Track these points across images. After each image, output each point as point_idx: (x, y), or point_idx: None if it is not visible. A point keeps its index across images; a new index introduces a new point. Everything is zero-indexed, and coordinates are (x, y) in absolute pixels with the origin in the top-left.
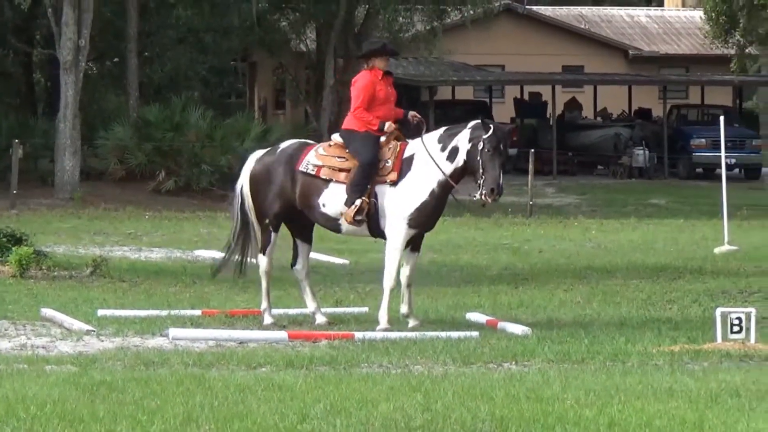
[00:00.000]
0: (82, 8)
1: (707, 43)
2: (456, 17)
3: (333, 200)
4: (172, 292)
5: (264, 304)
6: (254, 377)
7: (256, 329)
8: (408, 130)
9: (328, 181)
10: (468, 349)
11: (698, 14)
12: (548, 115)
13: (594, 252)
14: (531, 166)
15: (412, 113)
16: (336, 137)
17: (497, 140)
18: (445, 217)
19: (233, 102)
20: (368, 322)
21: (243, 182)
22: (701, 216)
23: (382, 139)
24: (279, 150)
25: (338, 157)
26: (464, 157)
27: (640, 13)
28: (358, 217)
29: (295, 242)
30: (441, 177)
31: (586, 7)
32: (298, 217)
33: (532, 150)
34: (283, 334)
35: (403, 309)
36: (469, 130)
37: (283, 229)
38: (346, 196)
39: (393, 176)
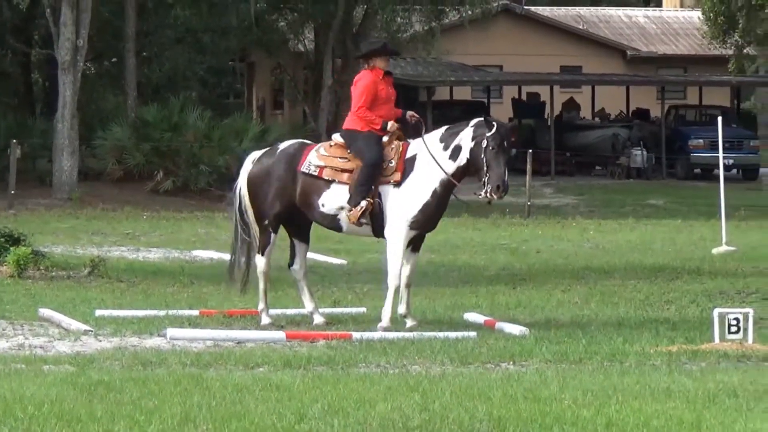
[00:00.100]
0: (80, 8)
1: (705, 44)
2: (454, 17)
3: (333, 200)
4: (169, 292)
5: (261, 305)
6: (252, 377)
7: (254, 329)
8: (406, 130)
9: (330, 182)
10: (466, 350)
11: (696, 15)
12: (546, 116)
13: (592, 252)
14: (529, 167)
15: (410, 113)
16: (336, 137)
17: (501, 138)
18: (443, 217)
19: (231, 102)
20: (366, 322)
21: (241, 183)
22: (699, 216)
23: (385, 139)
24: (279, 150)
25: (340, 158)
26: (467, 155)
27: (638, 14)
28: (363, 220)
29: (292, 242)
30: (443, 176)
31: (584, 8)
32: (297, 217)
33: (530, 150)
34: (280, 334)
35: (401, 309)
36: (472, 128)
37: (281, 229)
38: (346, 196)
39: (397, 177)
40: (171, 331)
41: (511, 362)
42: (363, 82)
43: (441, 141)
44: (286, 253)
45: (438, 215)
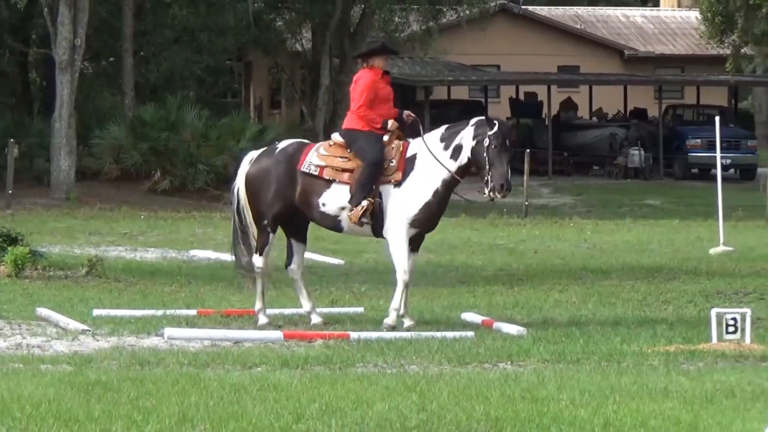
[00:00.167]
0: (77, 8)
1: (703, 44)
2: (452, 17)
3: (333, 199)
4: (167, 292)
5: (258, 305)
6: (249, 377)
7: (252, 329)
8: (403, 130)
9: (330, 182)
10: (463, 350)
11: (694, 14)
12: (544, 115)
13: (589, 252)
14: (526, 167)
15: (406, 113)
16: (336, 137)
17: (503, 136)
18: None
19: (229, 101)
20: (364, 322)
21: (239, 184)
22: (696, 216)
23: (385, 138)
24: (278, 150)
25: (340, 157)
26: (468, 154)
27: (636, 14)
28: (364, 219)
29: (289, 242)
30: (445, 176)
31: (582, 8)
32: (296, 218)
33: (528, 150)
34: (278, 334)
35: (400, 309)
36: (473, 127)
37: (278, 229)
38: (347, 195)
39: (398, 176)
40: (168, 331)
41: (509, 362)
42: (363, 81)
43: (441, 140)
44: (284, 253)
45: (439, 215)
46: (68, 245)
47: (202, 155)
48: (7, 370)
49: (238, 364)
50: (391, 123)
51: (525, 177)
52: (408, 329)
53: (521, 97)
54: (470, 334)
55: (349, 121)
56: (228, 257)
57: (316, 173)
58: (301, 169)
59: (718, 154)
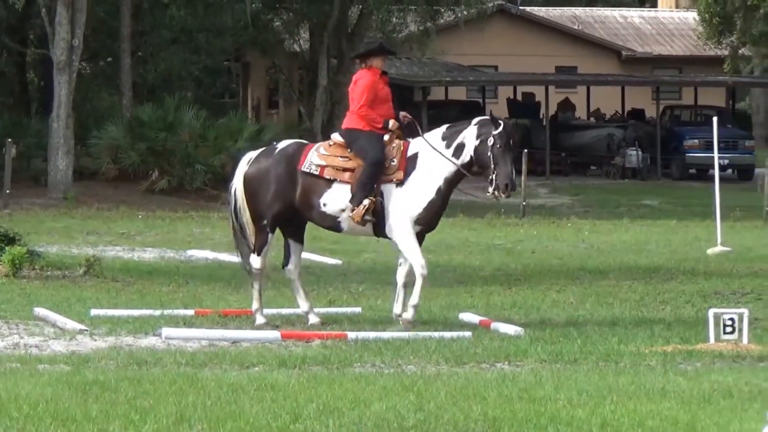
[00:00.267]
0: (75, 8)
1: (700, 44)
2: (449, 18)
3: (334, 199)
4: (165, 292)
5: (256, 305)
6: (247, 377)
7: (249, 329)
8: (401, 131)
9: (331, 181)
10: (461, 350)
11: (692, 15)
12: (541, 116)
13: (587, 253)
14: (524, 167)
15: (403, 114)
16: (336, 137)
17: (507, 136)
18: None
19: (227, 102)
20: (361, 322)
21: (236, 185)
22: (694, 217)
23: (386, 137)
24: (277, 150)
25: (341, 157)
26: (471, 153)
27: (634, 14)
28: (367, 217)
29: (287, 242)
30: (448, 172)
31: (580, 8)
32: (294, 217)
33: (525, 150)
34: (276, 334)
35: (396, 309)
36: (476, 126)
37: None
38: (348, 196)
39: (399, 175)
40: (166, 331)
41: (506, 362)
42: (363, 81)
43: (443, 139)
44: (281, 253)
45: (441, 213)
46: (66, 245)
47: (199, 155)
48: (4, 370)
49: (236, 364)
50: (392, 122)
51: (523, 177)
52: (405, 329)
53: (519, 97)
54: (468, 334)
55: (350, 121)
56: (226, 257)
57: (317, 173)
58: (302, 168)
59: (716, 155)
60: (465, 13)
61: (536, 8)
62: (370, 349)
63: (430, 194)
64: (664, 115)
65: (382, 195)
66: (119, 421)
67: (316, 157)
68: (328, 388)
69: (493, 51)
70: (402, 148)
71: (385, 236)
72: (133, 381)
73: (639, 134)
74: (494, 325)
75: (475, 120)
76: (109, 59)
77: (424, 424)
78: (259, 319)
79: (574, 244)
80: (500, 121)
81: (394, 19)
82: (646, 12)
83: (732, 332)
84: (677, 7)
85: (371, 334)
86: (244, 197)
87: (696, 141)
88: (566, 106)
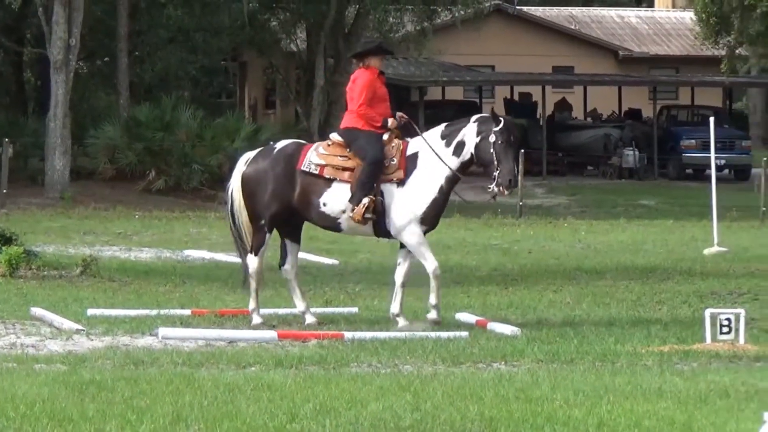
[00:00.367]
0: (72, 7)
1: (697, 44)
2: (446, 17)
3: (334, 199)
4: (161, 292)
5: (252, 305)
6: (244, 377)
7: (246, 329)
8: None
9: (330, 181)
10: (457, 349)
11: (688, 15)
12: (538, 116)
13: (583, 253)
14: (521, 167)
15: (399, 114)
16: (335, 136)
17: (508, 132)
18: None
19: (224, 102)
20: (358, 322)
21: (233, 185)
22: (691, 217)
23: (385, 137)
24: (276, 150)
25: (340, 156)
26: (472, 150)
27: (631, 14)
28: (367, 215)
29: (283, 242)
30: (448, 173)
31: (577, 8)
32: (292, 218)
33: (522, 150)
34: (272, 334)
35: (394, 308)
36: (476, 124)
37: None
38: (348, 195)
39: (399, 174)
40: (163, 331)
41: (503, 362)
42: (361, 80)
43: (442, 138)
44: (278, 253)
45: (442, 212)
46: (63, 245)
47: (196, 155)
48: (1, 370)
49: (233, 364)
50: (391, 121)
51: (519, 177)
52: (401, 329)
53: (516, 97)
54: (464, 334)
55: (348, 120)
56: (223, 257)
57: (317, 172)
58: (301, 168)
59: (713, 155)
60: (462, 12)
61: (533, 8)
62: (367, 349)
63: (432, 193)
64: (661, 115)
65: (382, 194)
66: (116, 420)
67: (315, 157)
68: (325, 388)
69: (490, 51)
70: (401, 147)
71: (386, 236)
72: (130, 381)
73: (636, 134)
74: (491, 325)
75: (474, 117)
76: (106, 59)
77: (420, 424)
78: (256, 319)
79: (571, 244)
80: (501, 118)
81: (391, 18)
82: (643, 12)
83: (728, 332)
84: (674, 6)
85: (368, 334)
86: (241, 197)
87: (693, 141)
88: (563, 106)
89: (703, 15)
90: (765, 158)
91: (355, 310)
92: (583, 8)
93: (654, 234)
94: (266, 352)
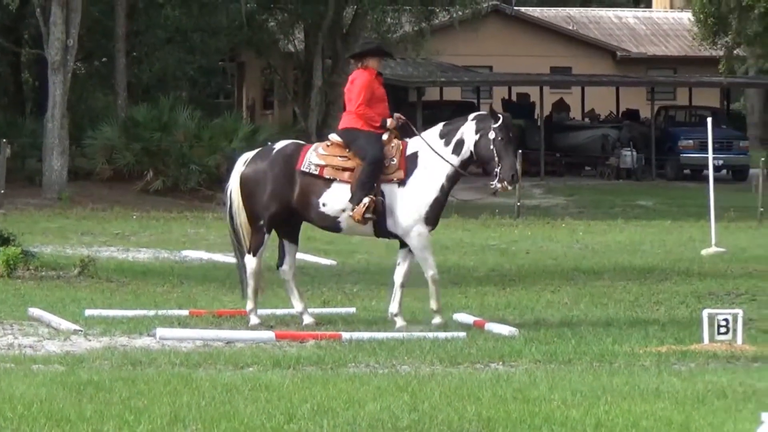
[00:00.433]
0: (70, 8)
1: (695, 45)
2: (444, 18)
3: (334, 199)
4: (159, 292)
5: (250, 305)
6: (241, 377)
7: (244, 329)
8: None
9: (330, 181)
10: (455, 350)
11: (686, 16)
12: (536, 116)
13: (581, 253)
14: (518, 167)
15: (396, 115)
16: (334, 137)
17: (508, 128)
18: None
19: (221, 102)
20: (355, 322)
21: (232, 186)
22: (689, 217)
23: (384, 137)
24: (275, 151)
25: (340, 157)
26: (472, 148)
27: (628, 15)
28: (368, 215)
29: (281, 243)
30: (449, 171)
31: (574, 9)
32: (290, 218)
33: (520, 151)
34: (270, 335)
35: (392, 308)
36: (474, 121)
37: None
38: (348, 195)
39: (400, 174)
40: (160, 331)
41: (501, 363)
42: (360, 80)
43: (441, 137)
44: (275, 253)
45: (442, 211)
46: (60, 245)
47: (194, 155)
48: None
49: (230, 365)
50: (390, 122)
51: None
52: (399, 330)
53: (513, 98)
54: (462, 334)
55: (347, 121)
56: (220, 258)
57: (317, 173)
58: (301, 168)
59: (710, 155)
60: (460, 13)
61: (531, 8)
62: (365, 350)
63: (434, 192)
64: (658, 115)
65: (383, 195)
66: (113, 421)
67: (315, 157)
68: (323, 389)
69: (487, 51)
70: (401, 147)
71: (386, 236)
72: (128, 381)
73: (633, 135)
74: (488, 325)
75: (472, 115)
76: (103, 59)
77: (418, 424)
78: (254, 320)
79: (569, 244)
80: (500, 115)
81: (389, 19)
82: (641, 12)
83: (726, 333)
84: (672, 7)
85: (365, 335)
86: (240, 198)
87: (690, 141)
88: (561, 106)
89: (701, 15)
90: (762, 158)
91: (352, 310)
92: (581, 9)
93: (652, 234)
94: (264, 352)
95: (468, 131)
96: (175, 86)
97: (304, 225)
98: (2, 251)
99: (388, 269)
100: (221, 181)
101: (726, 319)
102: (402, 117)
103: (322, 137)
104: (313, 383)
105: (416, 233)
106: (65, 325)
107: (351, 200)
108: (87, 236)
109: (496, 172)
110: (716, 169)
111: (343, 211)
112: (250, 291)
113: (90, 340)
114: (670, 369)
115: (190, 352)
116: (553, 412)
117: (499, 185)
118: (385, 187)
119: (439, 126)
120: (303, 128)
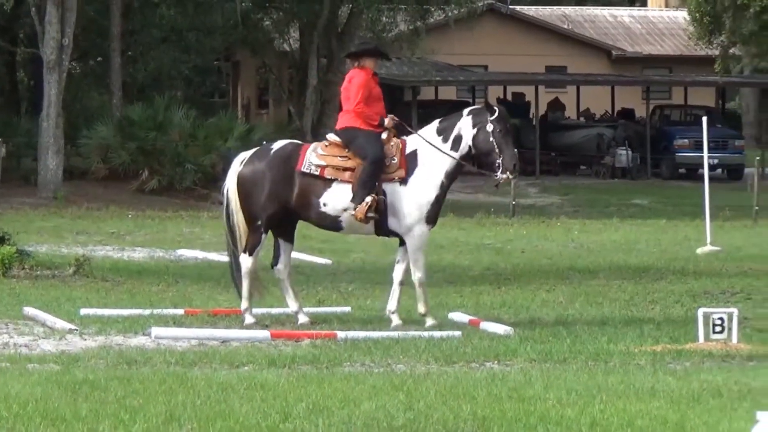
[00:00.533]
0: (65, 7)
1: (691, 44)
2: (439, 17)
3: (335, 199)
4: (154, 291)
5: (245, 304)
6: (237, 376)
7: (239, 328)
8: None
9: (330, 181)
10: (450, 349)
11: (682, 15)
12: (531, 116)
13: (576, 252)
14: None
15: (390, 116)
16: (332, 137)
17: (504, 120)
18: None
19: (216, 101)
20: (351, 321)
21: (229, 185)
22: (684, 216)
23: (383, 135)
24: (273, 151)
25: (340, 156)
26: (470, 142)
27: (624, 14)
28: (370, 214)
29: (277, 242)
30: (449, 166)
31: (570, 7)
32: (288, 218)
33: (516, 150)
34: (265, 334)
35: (390, 305)
36: (470, 116)
37: None
38: (349, 195)
39: (401, 173)
40: (156, 330)
41: (496, 362)
42: (357, 79)
43: (439, 134)
44: (270, 252)
45: (441, 209)
46: (55, 244)
47: (189, 155)
48: None
49: (225, 364)
50: (387, 120)
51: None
52: (395, 328)
53: (509, 97)
54: (457, 333)
55: (346, 120)
56: (216, 257)
57: (317, 173)
58: (301, 169)
59: (706, 154)
60: (455, 12)
61: (526, 7)
62: (360, 349)
63: (435, 190)
64: (654, 114)
65: (384, 193)
66: (109, 420)
67: (314, 158)
68: (318, 388)
69: (483, 50)
70: (400, 146)
71: (386, 234)
72: (123, 380)
73: (629, 134)
74: (484, 324)
75: (466, 110)
76: (99, 58)
77: (413, 423)
78: (249, 319)
79: (564, 243)
80: (495, 108)
81: (384, 18)
82: (636, 11)
83: (721, 332)
84: (667, 6)
85: (361, 334)
86: (237, 198)
87: (686, 141)
88: (556, 105)
89: (696, 14)
90: (758, 158)
91: (348, 309)
92: (576, 8)
93: (647, 233)
94: (259, 351)
95: (465, 126)
96: (170, 85)
97: (300, 224)
98: None
99: (383, 268)
100: (216, 180)
101: (721, 318)
102: (395, 118)
103: (317, 136)
104: (308, 382)
105: (418, 232)
106: (60, 324)
107: (353, 200)
108: (82, 235)
109: (498, 163)
110: (711, 168)
111: (345, 210)
112: (244, 290)
113: (85, 339)
114: (666, 368)
115: (185, 351)
116: (549, 411)
117: (503, 176)
118: (387, 186)
119: (435, 123)
120: (298, 127)
